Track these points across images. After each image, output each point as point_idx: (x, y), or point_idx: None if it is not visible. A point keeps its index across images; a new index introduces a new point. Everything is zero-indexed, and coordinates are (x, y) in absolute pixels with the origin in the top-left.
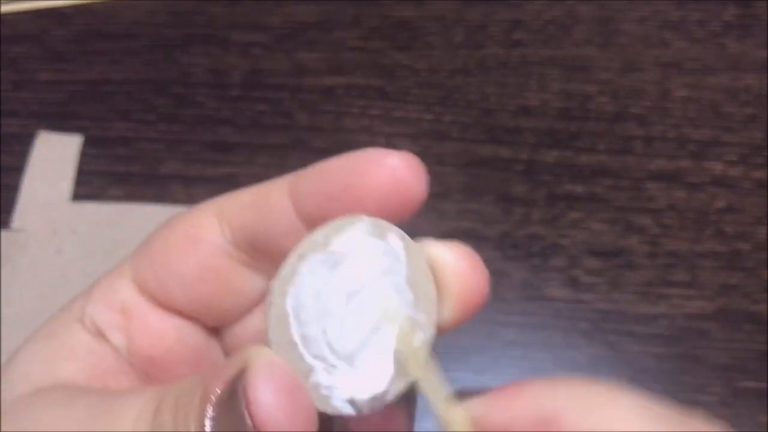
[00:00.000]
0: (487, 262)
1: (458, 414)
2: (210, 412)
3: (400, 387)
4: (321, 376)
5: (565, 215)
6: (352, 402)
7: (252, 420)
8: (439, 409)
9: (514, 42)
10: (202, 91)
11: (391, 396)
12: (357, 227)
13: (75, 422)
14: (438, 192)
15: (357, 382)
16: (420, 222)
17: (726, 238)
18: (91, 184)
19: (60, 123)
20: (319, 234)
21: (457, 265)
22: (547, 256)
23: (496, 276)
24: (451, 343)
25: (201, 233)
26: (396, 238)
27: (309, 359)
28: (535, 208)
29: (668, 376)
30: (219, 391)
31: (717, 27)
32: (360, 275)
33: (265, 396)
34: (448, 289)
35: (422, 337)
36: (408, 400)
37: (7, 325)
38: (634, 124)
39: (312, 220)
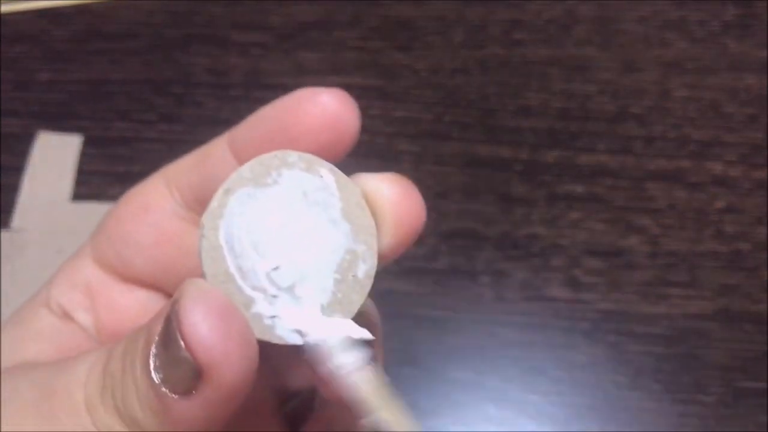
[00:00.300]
0: (487, 262)
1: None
2: (153, 349)
3: (344, 317)
4: (262, 307)
5: (565, 215)
6: (297, 331)
7: (185, 343)
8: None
9: (514, 42)
10: (202, 91)
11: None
12: (284, 160)
13: (35, 384)
14: (438, 192)
15: (301, 311)
16: None
17: (726, 238)
18: (91, 184)
19: (60, 123)
20: (245, 168)
21: (390, 192)
22: (547, 256)
23: (496, 276)
24: (451, 343)
25: (152, 200)
26: (327, 172)
27: (248, 291)
28: (535, 208)
29: (668, 376)
30: (160, 330)
31: (717, 27)
32: (292, 208)
33: (195, 316)
34: (384, 216)
35: (364, 268)
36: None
37: None
38: (634, 124)
39: None
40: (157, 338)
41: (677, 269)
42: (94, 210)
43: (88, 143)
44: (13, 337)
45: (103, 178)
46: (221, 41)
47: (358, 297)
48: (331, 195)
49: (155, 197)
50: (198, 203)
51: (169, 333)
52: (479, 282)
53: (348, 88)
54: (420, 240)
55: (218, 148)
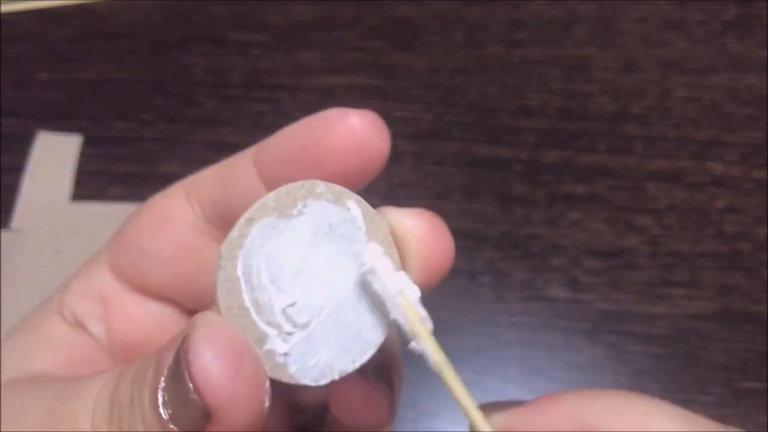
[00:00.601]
0: (487, 262)
1: (491, 425)
2: (162, 383)
3: (360, 361)
4: (276, 344)
5: (565, 215)
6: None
7: (193, 384)
8: (472, 417)
9: (514, 42)
10: (202, 91)
11: (350, 370)
12: (311, 190)
13: (41, 407)
14: (438, 192)
15: (314, 350)
16: None
17: (726, 239)
18: (90, 184)
19: (60, 123)
20: (269, 197)
21: (418, 228)
22: (547, 256)
23: (496, 276)
24: (451, 343)
25: (171, 213)
26: (354, 204)
27: (262, 326)
28: (535, 208)
29: (668, 376)
30: (170, 362)
31: (717, 27)
32: (315, 241)
33: (205, 356)
34: (411, 254)
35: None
36: (381, 373)
37: (7, 325)
38: (634, 124)
39: (276, 185)
40: (166, 371)
41: (677, 269)
42: (94, 210)
43: (87, 143)
44: (25, 343)
45: (102, 178)
46: (221, 41)
47: (379, 335)
48: (356, 229)
49: (175, 209)
50: (218, 218)
51: (179, 371)
52: (479, 282)
53: (348, 88)
54: None
55: (242, 162)
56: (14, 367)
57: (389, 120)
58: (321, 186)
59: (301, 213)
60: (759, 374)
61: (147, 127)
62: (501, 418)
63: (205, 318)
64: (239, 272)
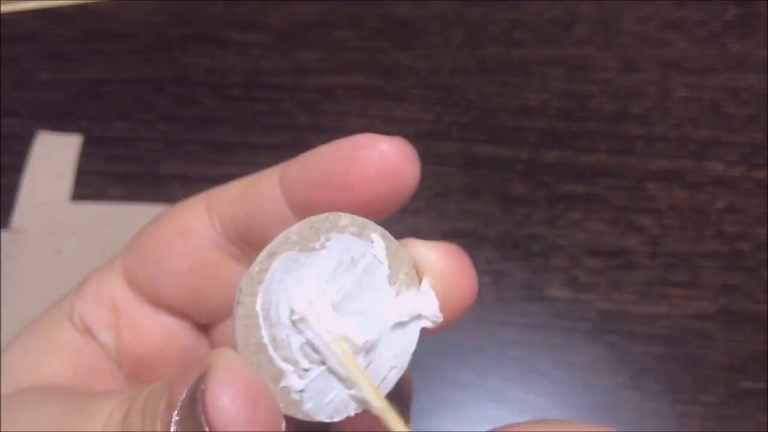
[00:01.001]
0: (487, 262)
1: None
2: (175, 416)
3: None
4: (292, 380)
5: (565, 215)
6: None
7: (208, 425)
8: None
9: (514, 42)
10: (202, 91)
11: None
12: (335, 223)
13: (50, 423)
14: (438, 192)
15: (330, 386)
16: (420, 222)
17: (727, 239)
18: (90, 184)
19: (60, 123)
20: (292, 231)
21: (442, 265)
22: (547, 256)
23: (496, 276)
24: (451, 343)
25: (191, 226)
26: (378, 237)
27: (279, 363)
28: (535, 208)
29: (668, 376)
30: (184, 395)
31: (717, 27)
32: (336, 275)
33: (222, 400)
34: (434, 290)
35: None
36: (399, 402)
37: (6, 325)
38: (634, 124)
39: (302, 209)
40: (179, 405)
41: (677, 269)
42: (94, 210)
43: (87, 143)
44: (34, 348)
45: (102, 178)
46: (221, 41)
47: (396, 371)
48: (379, 262)
49: (195, 223)
50: (238, 235)
51: (194, 410)
52: (479, 282)
53: (348, 88)
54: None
55: (268, 181)
56: (21, 374)
57: (389, 120)
58: (345, 219)
59: (323, 246)
60: (759, 374)
61: (147, 127)
62: None
63: (223, 358)
64: (258, 308)
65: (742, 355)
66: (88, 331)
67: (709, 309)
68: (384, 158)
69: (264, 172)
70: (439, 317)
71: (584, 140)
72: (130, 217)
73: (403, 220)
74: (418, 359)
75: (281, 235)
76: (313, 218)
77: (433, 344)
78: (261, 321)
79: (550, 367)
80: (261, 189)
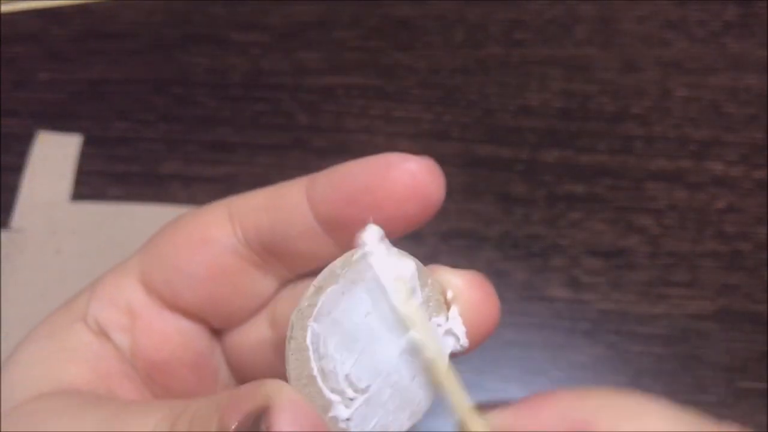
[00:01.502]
0: (487, 262)
1: (482, 424)
2: None
3: (414, 419)
4: (339, 410)
5: (565, 215)
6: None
7: None
8: (463, 417)
9: (514, 42)
10: (202, 91)
11: (406, 428)
12: (373, 257)
13: None
14: None
15: (373, 413)
16: None
17: (727, 238)
18: (90, 184)
19: (60, 123)
20: (336, 265)
21: (469, 294)
22: (547, 256)
23: (496, 276)
24: None
25: (211, 232)
26: (412, 264)
27: (328, 394)
28: (535, 208)
29: (668, 376)
30: (236, 424)
31: (717, 26)
32: (374, 305)
33: None
34: (461, 317)
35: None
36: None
37: (7, 325)
38: (634, 124)
39: (329, 223)
40: (231, 430)
41: (677, 269)
42: (94, 210)
43: (87, 143)
44: (49, 351)
45: (102, 178)
46: (221, 41)
47: (428, 397)
48: (415, 290)
49: (216, 230)
50: (262, 245)
51: None
52: None
53: (348, 88)
54: (420, 240)
55: (294, 193)
56: (39, 379)
57: (389, 120)
58: (382, 249)
59: (362, 279)
60: (759, 374)
61: (147, 127)
62: (493, 418)
63: (284, 392)
64: (308, 342)
65: (741, 355)
66: (103, 334)
67: (709, 309)
68: (413, 177)
69: (288, 183)
70: (466, 343)
71: (584, 140)
72: (130, 217)
73: None
74: None
75: (326, 270)
76: (350, 252)
77: None
78: (311, 354)
79: (550, 367)
80: (287, 201)
